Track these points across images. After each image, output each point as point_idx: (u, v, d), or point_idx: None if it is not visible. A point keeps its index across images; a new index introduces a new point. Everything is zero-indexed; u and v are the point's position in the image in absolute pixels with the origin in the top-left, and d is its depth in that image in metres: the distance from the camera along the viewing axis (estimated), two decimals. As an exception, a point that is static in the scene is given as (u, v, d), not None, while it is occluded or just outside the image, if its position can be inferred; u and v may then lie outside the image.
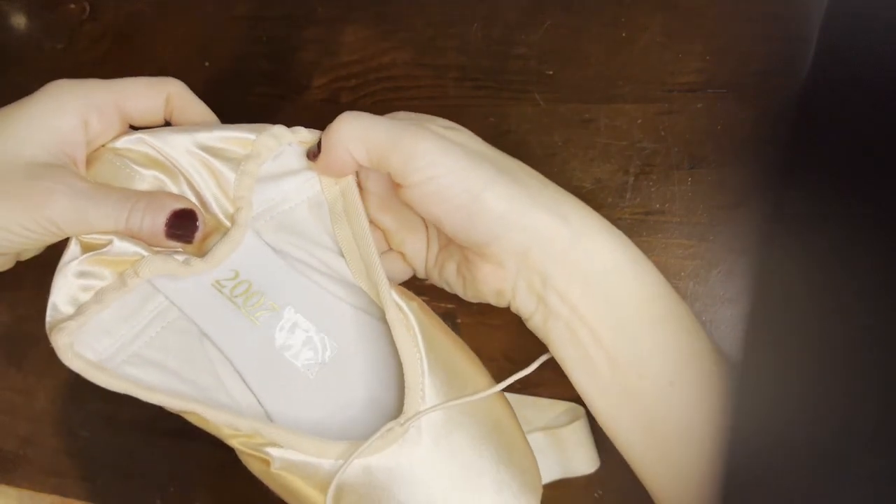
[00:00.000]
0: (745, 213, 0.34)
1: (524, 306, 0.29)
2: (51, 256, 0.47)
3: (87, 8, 0.48)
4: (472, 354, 0.32)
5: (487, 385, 0.30)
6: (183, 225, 0.27)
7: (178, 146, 0.28)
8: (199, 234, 0.27)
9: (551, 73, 0.38)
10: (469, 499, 0.28)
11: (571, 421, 0.36)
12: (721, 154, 0.35)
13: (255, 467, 0.29)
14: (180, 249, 0.28)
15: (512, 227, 0.27)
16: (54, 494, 0.46)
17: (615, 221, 0.36)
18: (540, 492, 0.30)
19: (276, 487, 0.29)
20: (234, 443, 0.28)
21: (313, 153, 0.29)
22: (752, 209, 0.34)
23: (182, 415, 0.28)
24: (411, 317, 0.28)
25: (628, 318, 0.28)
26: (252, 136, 0.28)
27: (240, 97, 0.44)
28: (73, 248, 0.27)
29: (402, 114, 0.32)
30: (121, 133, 0.28)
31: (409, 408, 0.27)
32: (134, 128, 0.29)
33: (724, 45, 0.35)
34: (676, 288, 0.35)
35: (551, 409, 0.37)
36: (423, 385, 0.27)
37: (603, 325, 0.27)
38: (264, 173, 0.30)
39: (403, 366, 0.27)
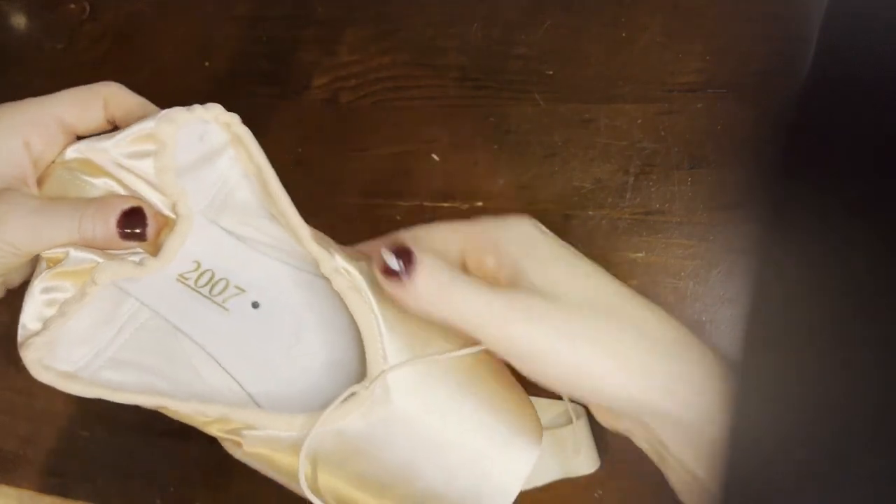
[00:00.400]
0: (745, 213, 0.34)
1: (641, 447, 0.28)
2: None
3: (87, 8, 0.48)
4: None
5: (459, 335, 0.29)
6: (133, 223, 0.27)
7: (103, 155, 0.27)
8: (151, 230, 0.27)
9: (551, 73, 0.38)
10: (455, 448, 0.27)
11: (571, 421, 0.36)
12: (721, 154, 0.35)
13: (234, 452, 0.29)
14: (139, 251, 0.28)
15: (622, 403, 0.26)
16: (54, 494, 0.46)
17: (615, 221, 0.36)
18: (539, 435, 0.29)
19: (257, 465, 0.29)
20: (212, 430, 0.28)
21: (388, 271, 0.26)
22: (752, 209, 0.34)
23: (159, 410, 0.28)
24: (358, 278, 0.27)
25: None
26: (150, 128, 0.27)
27: (240, 97, 0.44)
28: (41, 267, 0.27)
29: (503, 229, 0.28)
30: (67, 145, 0.28)
31: (373, 369, 0.26)
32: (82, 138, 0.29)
33: (724, 45, 0.35)
34: (676, 288, 0.35)
35: (551, 409, 0.37)
36: (382, 345, 0.27)
37: None
38: (195, 158, 0.29)
39: (360, 329, 0.27)
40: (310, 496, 0.27)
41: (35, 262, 0.28)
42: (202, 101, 0.46)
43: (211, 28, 0.45)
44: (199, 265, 0.30)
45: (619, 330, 0.26)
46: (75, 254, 0.26)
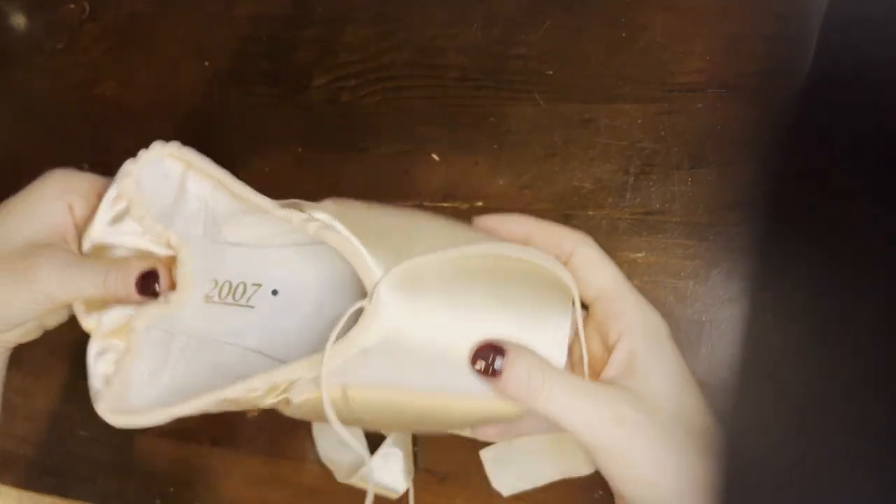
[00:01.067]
0: (745, 213, 0.34)
1: None
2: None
3: (87, 8, 0.48)
4: (417, 214, 0.32)
5: (441, 228, 0.31)
6: (149, 284, 0.30)
7: (100, 234, 0.31)
8: (165, 286, 0.31)
9: (551, 73, 0.38)
10: (475, 326, 0.28)
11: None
12: (721, 154, 0.35)
13: (286, 411, 0.30)
14: (162, 298, 0.31)
15: None
16: (54, 494, 0.46)
17: (615, 221, 0.36)
18: (568, 295, 0.29)
19: (308, 413, 0.30)
20: (267, 402, 0.29)
21: (489, 370, 0.28)
22: (752, 209, 0.34)
23: (224, 409, 0.30)
24: (326, 217, 0.29)
25: None
26: (114, 191, 0.30)
27: (240, 97, 0.44)
28: (84, 324, 0.30)
29: (639, 315, 0.30)
30: None
31: (368, 285, 0.28)
32: None
33: (724, 45, 0.35)
34: (676, 288, 0.35)
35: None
36: (367, 263, 0.28)
37: None
38: (173, 196, 0.31)
39: (346, 258, 0.28)
40: (334, 422, 0.28)
41: (70, 307, 0.31)
42: (202, 101, 0.47)
43: (211, 28, 0.45)
44: (216, 282, 0.33)
45: (698, 457, 0.27)
46: (109, 316, 0.30)
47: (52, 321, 0.34)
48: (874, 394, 0.19)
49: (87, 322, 0.30)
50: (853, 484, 0.19)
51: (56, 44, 0.48)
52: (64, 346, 0.46)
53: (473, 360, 0.28)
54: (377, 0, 0.41)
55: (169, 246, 0.31)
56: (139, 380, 0.30)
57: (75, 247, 0.31)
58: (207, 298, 0.33)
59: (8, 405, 0.47)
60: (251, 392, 0.29)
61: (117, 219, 0.31)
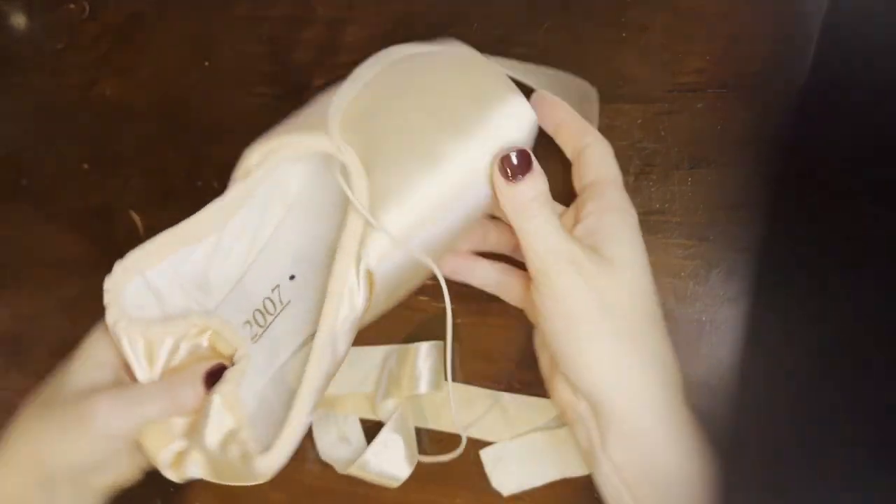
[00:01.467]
0: (745, 213, 0.34)
1: (578, 440, 0.30)
2: (56, 257, 0.47)
3: (87, 8, 0.48)
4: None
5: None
6: (215, 379, 0.30)
7: (147, 375, 0.31)
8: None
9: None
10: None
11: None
12: (721, 154, 0.35)
13: (375, 301, 0.30)
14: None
15: (596, 387, 0.28)
16: (54, 494, 0.46)
17: (615, 221, 0.36)
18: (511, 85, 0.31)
19: (392, 282, 0.31)
20: (361, 301, 0.30)
21: (507, 165, 0.29)
22: (752, 209, 0.34)
23: (344, 351, 0.31)
24: (256, 154, 0.31)
25: None
26: (125, 340, 0.30)
27: (240, 97, 0.44)
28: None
29: (615, 199, 0.31)
30: None
31: (336, 151, 0.30)
32: None
33: (724, 45, 0.35)
34: (676, 288, 0.35)
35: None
36: (315, 137, 0.30)
37: None
38: (154, 306, 0.32)
39: (304, 150, 0.31)
40: (421, 255, 0.29)
41: None
42: (202, 101, 0.46)
43: (211, 28, 0.45)
44: (248, 322, 0.34)
45: (641, 324, 0.29)
46: (210, 428, 0.29)
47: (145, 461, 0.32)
48: (874, 392, 0.19)
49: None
50: (853, 483, 0.19)
51: (56, 44, 0.48)
52: (65, 347, 0.46)
53: (503, 159, 0.29)
54: (377, 0, 0.41)
55: (201, 330, 0.32)
56: (263, 434, 0.30)
57: (131, 378, 0.31)
58: (255, 338, 0.34)
59: (9, 405, 0.47)
60: (342, 288, 0.29)
61: (151, 359, 0.30)
